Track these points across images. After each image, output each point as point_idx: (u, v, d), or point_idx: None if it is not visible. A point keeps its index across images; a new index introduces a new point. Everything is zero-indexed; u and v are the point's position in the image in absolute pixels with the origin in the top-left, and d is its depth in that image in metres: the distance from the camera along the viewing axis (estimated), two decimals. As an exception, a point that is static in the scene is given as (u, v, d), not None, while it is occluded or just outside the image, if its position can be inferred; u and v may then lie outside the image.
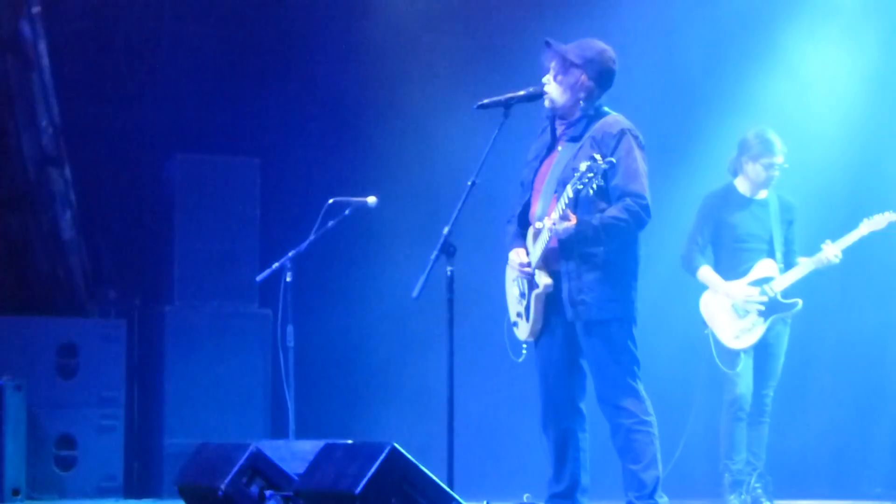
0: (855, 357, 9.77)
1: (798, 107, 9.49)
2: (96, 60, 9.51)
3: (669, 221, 8.56)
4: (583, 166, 6.03)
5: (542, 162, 6.50)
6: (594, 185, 6.03)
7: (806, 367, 9.32)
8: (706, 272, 8.28)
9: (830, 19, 9.61)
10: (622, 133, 6.32)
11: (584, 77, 6.39)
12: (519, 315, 6.50)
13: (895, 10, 9.58)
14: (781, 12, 9.69)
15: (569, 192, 6.09)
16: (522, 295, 6.45)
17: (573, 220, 6.15)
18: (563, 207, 6.13)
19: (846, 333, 9.72)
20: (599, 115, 6.41)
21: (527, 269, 6.39)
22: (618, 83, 6.48)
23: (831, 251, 8.18)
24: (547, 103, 6.46)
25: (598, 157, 6.03)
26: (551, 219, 6.20)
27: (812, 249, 8.24)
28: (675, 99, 9.63)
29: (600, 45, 6.47)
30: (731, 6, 9.67)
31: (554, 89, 6.43)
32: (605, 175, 6.11)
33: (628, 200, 6.24)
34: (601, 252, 6.25)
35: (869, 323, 9.59)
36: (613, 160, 6.13)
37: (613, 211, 6.23)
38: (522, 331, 6.48)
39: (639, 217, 6.25)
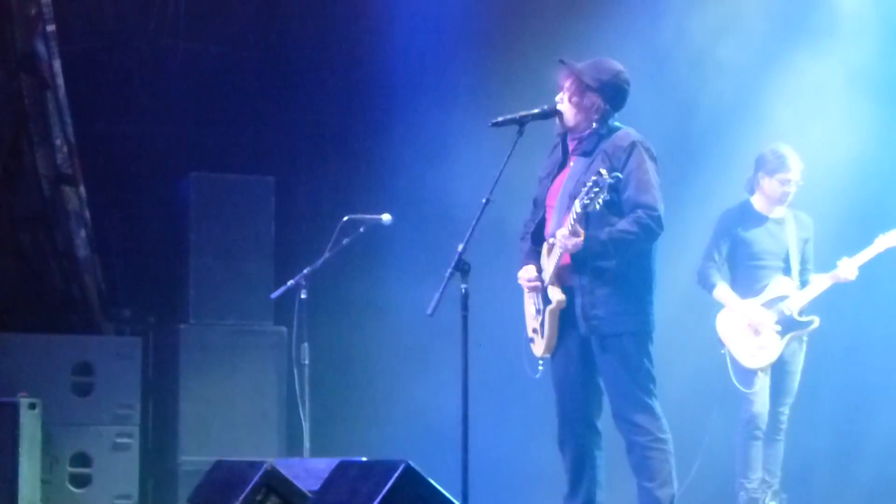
0: (867, 373, 9.71)
1: (812, 123, 9.45)
2: (111, 79, 9.53)
3: (686, 236, 8.52)
4: (589, 182, 6.02)
5: (554, 179, 6.50)
6: (600, 200, 6.01)
7: (818, 382, 9.26)
8: (722, 291, 8.25)
9: (841, 36, 9.58)
10: (633, 146, 6.30)
11: (599, 100, 6.37)
12: (535, 331, 6.49)
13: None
14: (799, 30, 9.66)
15: (577, 207, 6.08)
16: (538, 311, 6.45)
17: (581, 236, 6.15)
18: (572, 223, 6.12)
19: (859, 349, 9.66)
20: (611, 130, 6.40)
21: (535, 284, 6.38)
22: (635, 98, 6.47)
23: (847, 268, 8.14)
24: (559, 123, 6.45)
25: (603, 171, 6.00)
26: (560, 234, 6.19)
27: (828, 266, 8.21)
28: (692, 115, 9.59)
29: (615, 65, 6.44)
30: (749, 23, 9.65)
31: (568, 109, 6.42)
32: (615, 188, 6.09)
33: (640, 212, 6.22)
34: (613, 266, 6.24)
35: (882, 339, 9.53)
36: (619, 175, 6.12)
37: (624, 224, 6.22)
38: (538, 347, 6.47)
39: (650, 229, 6.23)
